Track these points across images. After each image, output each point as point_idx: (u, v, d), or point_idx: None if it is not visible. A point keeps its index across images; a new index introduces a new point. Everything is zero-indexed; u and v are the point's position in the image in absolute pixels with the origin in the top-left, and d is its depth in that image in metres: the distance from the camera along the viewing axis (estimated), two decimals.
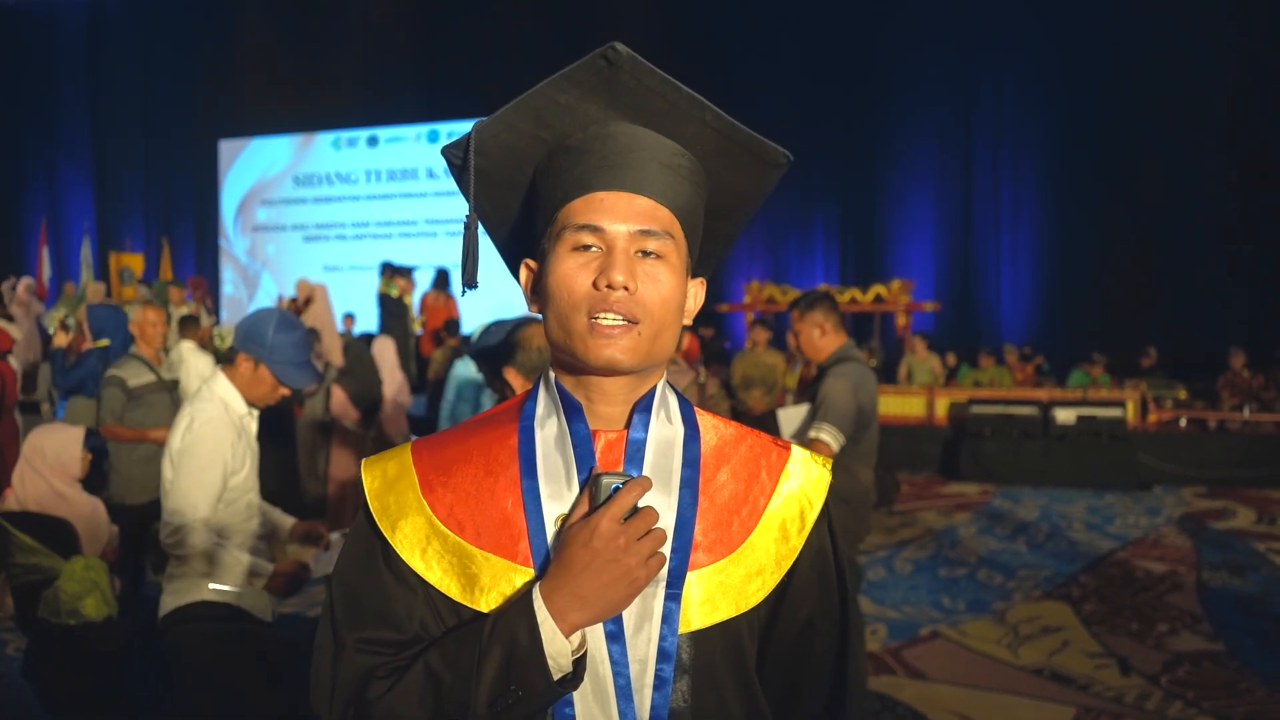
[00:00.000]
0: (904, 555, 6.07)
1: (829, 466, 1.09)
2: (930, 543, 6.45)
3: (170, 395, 4.64)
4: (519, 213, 1.09)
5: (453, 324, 9.10)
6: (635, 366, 0.98)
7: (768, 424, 3.48)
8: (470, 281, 1.04)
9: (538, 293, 1.03)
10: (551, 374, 1.05)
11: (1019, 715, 3.73)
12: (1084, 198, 12.77)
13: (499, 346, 2.59)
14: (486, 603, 0.97)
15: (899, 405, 9.86)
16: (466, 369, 6.23)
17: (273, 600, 2.72)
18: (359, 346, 6.93)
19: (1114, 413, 8.79)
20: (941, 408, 9.75)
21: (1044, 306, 13.24)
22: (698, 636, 0.99)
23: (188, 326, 6.34)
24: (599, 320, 0.95)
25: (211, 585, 2.52)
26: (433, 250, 14.09)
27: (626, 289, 0.95)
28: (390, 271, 10.87)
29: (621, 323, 0.96)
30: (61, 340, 5.61)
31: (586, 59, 0.95)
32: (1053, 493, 8.24)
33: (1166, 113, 12.12)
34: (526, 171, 1.04)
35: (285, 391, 2.72)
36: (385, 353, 7.07)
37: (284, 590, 2.66)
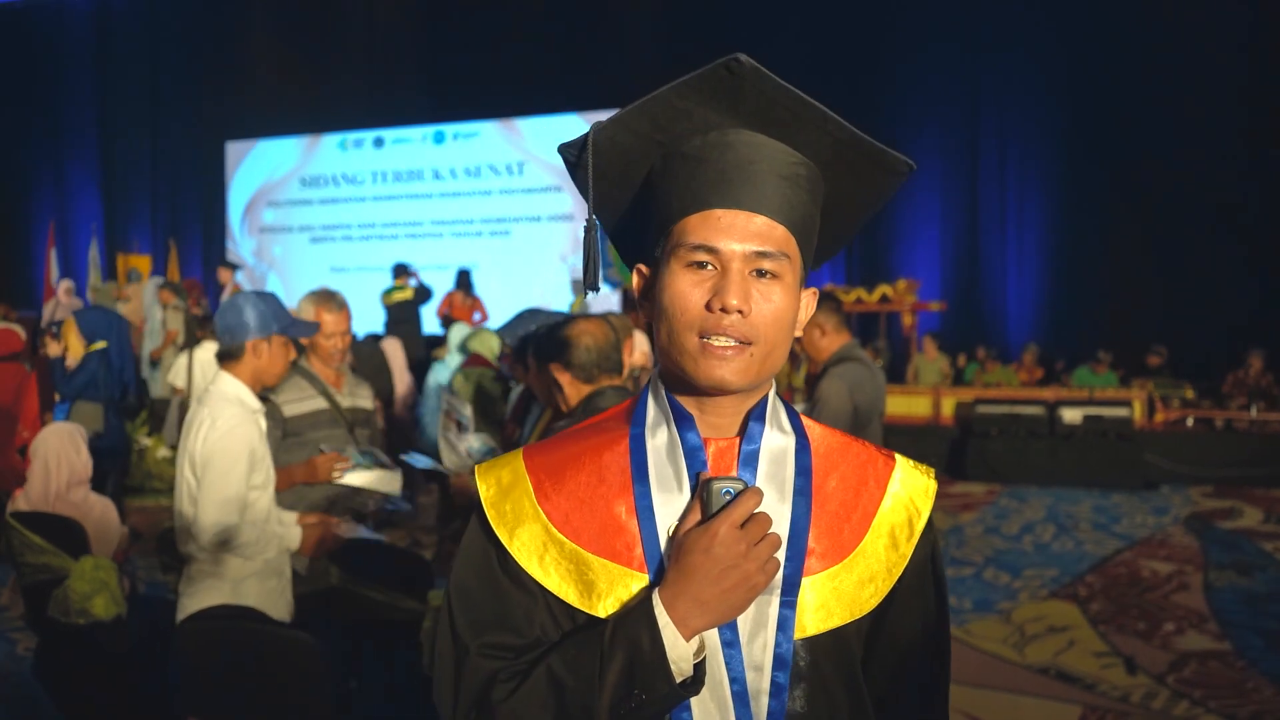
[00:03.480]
0: None
1: (933, 475, 1.10)
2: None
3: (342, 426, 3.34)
4: (631, 210, 1.08)
5: None
6: (745, 386, 0.99)
7: None
8: (593, 285, 1.04)
9: (648, 300, 1.03)
10: (660, 384, 1.05)
11: (1025, 714, 3.73)
12: (1091, 195, 12.70)
13: (544, 341, 2.59)
14: (604, 608, 0.98)
15: (905, 405, 9.84)
16: (441, 376, 6.21)
17: (292, 602, 2.73)
18: (368, 346, 6.94)
19: (1121, 412, 8.76)
20: (948, 407, 9.74)
21: (1051, 306, 13.18)
22: (811, 643, 1.00)
23: (207, 326, 6.27)
24: (711, 341, 0.96)
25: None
26: (438, 251, 14.08)
27: (740, 312, 0.95)
28: (403, 274, 10.70)
29: (734, 344, 0.96)
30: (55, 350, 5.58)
31: (709, 68, 0.94)
32: (1059, 492, 8.22)
33: (1175, 107, 12.01)
34: (640, 170, 1.04)
35: None
36: (395, 354, 7.09)
37: (316, 550, 2.78)
